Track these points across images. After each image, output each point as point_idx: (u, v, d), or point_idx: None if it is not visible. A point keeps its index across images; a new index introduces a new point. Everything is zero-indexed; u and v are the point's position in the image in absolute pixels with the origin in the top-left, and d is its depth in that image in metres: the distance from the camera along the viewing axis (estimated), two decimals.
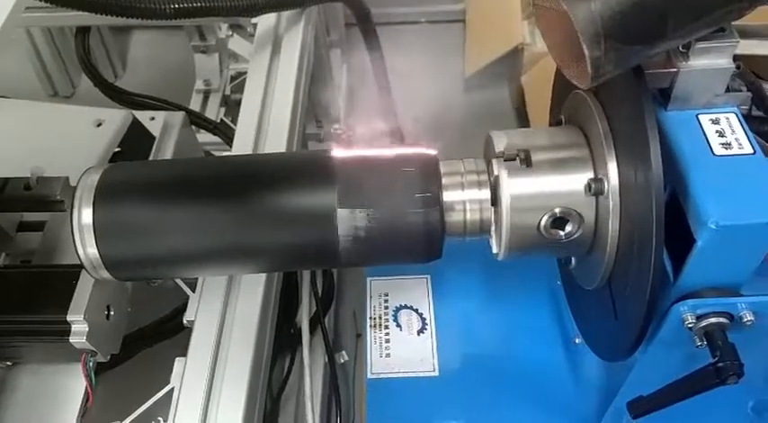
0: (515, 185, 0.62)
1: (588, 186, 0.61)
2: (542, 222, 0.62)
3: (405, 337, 0.90)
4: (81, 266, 0.71)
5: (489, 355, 0.89)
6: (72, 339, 0.71)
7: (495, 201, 0.63)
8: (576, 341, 0.88)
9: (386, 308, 0.93)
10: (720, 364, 0.58)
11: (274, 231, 0.61)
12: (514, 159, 0.62)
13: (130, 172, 0.66)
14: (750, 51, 0.64)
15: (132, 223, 0.62)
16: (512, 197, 0.61)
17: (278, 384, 1.24)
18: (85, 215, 0.60)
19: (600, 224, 0.62)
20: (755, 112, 0.76)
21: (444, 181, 0.62)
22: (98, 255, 0.61)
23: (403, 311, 0.92)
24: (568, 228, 0.63)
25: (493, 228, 0.64)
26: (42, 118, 1.04)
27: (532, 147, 0.63)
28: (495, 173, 0.62)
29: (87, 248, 0.61)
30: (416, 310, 0.92)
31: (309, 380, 1.02)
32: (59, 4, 0.83)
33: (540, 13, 0.56)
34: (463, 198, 0.62)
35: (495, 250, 0.65)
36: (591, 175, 0.62)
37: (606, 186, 0.60)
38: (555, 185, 0.62)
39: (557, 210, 0.62)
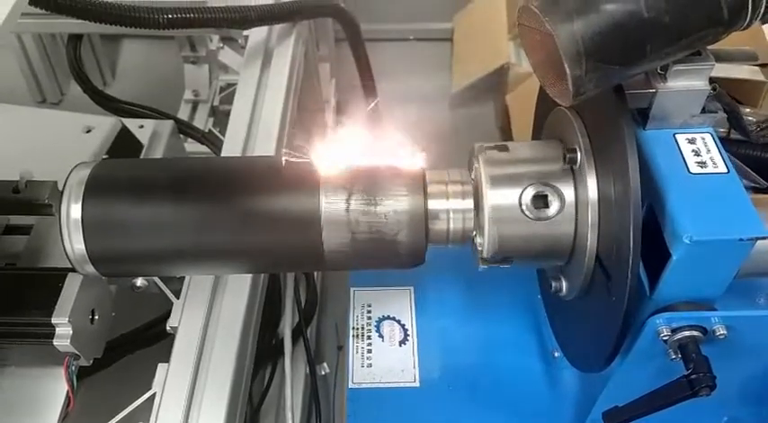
0: (492, 164, 0.64)
1: (563, 156, 0.63)
2: (523, 199, 0.63)
3: (387, 348, 0.91)
4: (67, 270, 0.72)
5: (470, 368, 0.90)
6: (56, 342, 0.71)
7: (477, 190, 0.64)
8: (555, 354, 0.89)
9: (369, 318, 0.93)
10: (693, 376, 0.59)
11: (261, 234, 0.62)
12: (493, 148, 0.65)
13: (121, 169, 0.67)
14: (725, 74, 0.67)
15: (121, 220, 0.62)
16: (491, 177, 0.64)
17: (258, 395, 1.23)
18: (74, 210, 0.61)
19: (578, 237, 0.64)
20: (734, 135, 0.78)
21: (429, 190, 0.63)
22: (85, 250, 0.61)
23: (385, 322, 0.93)
24: (552, 204, 0.64)
25: (476, 232, 0.65)
26: (32, 123, 1.05)
27: (516, 158, 0.65)
28: (476, 164, 0.64)
29: (74, 243, 0.61)
30: (399, 322, 0.93)
31: (290, 391, 1.02)
32: (55, 12, 0.84)
33: (525, 32, 0.58)
34: (447, 207, 0.64)
35: (479, 248, 0.66)
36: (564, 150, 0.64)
37: (580, 156, 0.62)
38: (530, 159, 0.66)
39: (535, 184, 0.64)
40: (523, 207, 0.63)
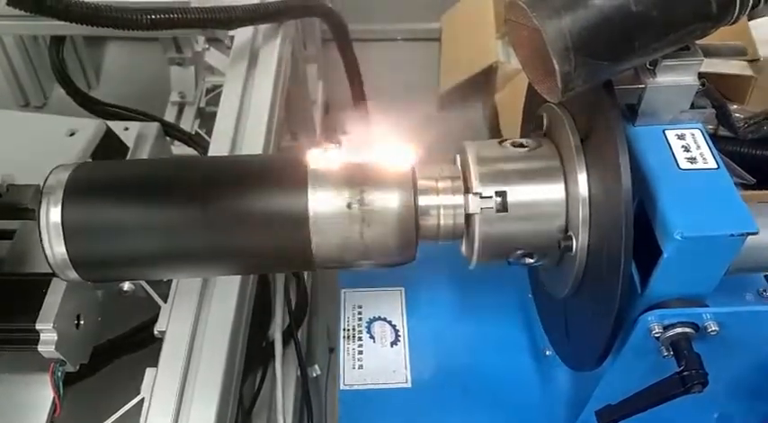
0: (489, 231, 0.63)
1: (558, 244, 0.63)
2: (512, 256, 0.65)
3: (378, 349, 0.90)
4: (51, 275, 0.70)
5: (461, 368, 0.89)
6: (40, 348, 0.70)
7: (468, 224, 0.64)
8: (547, 353, 0.89)
9: (359, 319, 0.93)
10: (686, 373, 0.59)
11: (247, 234, 0.61)
12: (490, 197, 0.63)
13: (102, 170, 0.65)
14: (715, 70, 0.66)
15: (103, 223, 0.60)
16: (485, 235, 0.63)
17: (249, 398, 1.23)
18: (54, 214, 0.59)
19: (570, 234, 0.63)
20: (720, 132, 0.79)
21: (419, 185, 0.62)
22: (66, 254, 0.59)
23: (376, 323, 0.93)
24: (534, 258, 0.65)
25: (465, 238, 0.65)
26: (14, 126, 1.03)
27: (506, 176, 0.64)
28: (471, 210, 0.63)
29: (55, 248, 0.59)
30: (390, 322, 0.93)
31: (281, 393, 1.01)
32: (36, 13, 0.82)
33: (513, 28, 0.58)
34: (438, 203, 0.63)
35: (465, 255, 0.66)
36: (563, 227, 0.63)
37: (575, 245, 0.62)
38: (527, 233, 0.64)
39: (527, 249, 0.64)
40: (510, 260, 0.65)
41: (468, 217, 0.63)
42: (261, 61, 1.11)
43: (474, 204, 0.63)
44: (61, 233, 0.59)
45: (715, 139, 0.65)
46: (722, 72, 0.72)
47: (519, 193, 0.63)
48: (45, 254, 0.60)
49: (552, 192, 0.63)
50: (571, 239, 0.62)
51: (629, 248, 0.56)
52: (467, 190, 0.63)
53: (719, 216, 0.58)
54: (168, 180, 0.63)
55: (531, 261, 0.65)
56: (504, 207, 0.62)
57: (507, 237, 0.64)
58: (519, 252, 0.64)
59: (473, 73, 1.89)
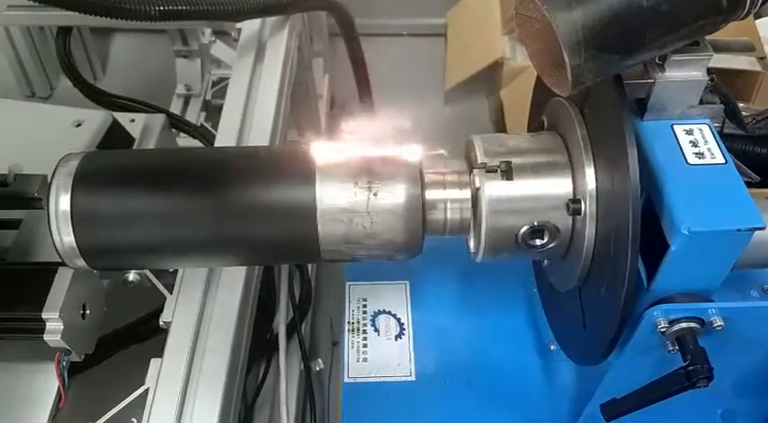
0: (495, 201, 0.63)
1: (567, 206, 0.63)
2: (520, 233, 0.63)
3: (382, 342, 0.90)
4: (57, 264, 0.71)
5: (466, 361, 0.89)
6: (46, 337, 0.70)
7: (475, 208, 0.64)
8: (552, 347, 0.89)
9: (364, 313, 0.93)
10: (691, 368, 0.59)
11: (254, 224, 0.61)
12: (495, 171, 0.63)
13: (111, 159, 0.65)
14: (724, 65, 0.66)
15: (111, 211, 0.60)
16: (492, 212, 0.63)
17: (252, 391, 1.23)
18: (63, 202, 0.59)
19: (577, 228, 0.63)
20: (727, 130, 0.78)
21: (426, 179, 0.62)
22: (74, 243, 0.60)
23: (381, 316, 0.93)
24: (545, 239, 0.64)
25: (472, 230, 0.65)
26: (21, 117, 1.04)
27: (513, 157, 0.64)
28: (477, 184, 0.63)
29: (64, 236, 0.59)
30: (395, 316, 0.93)
31: (285, 386, 1.02)
32: (44, 3, 0.82)
33: (523, 21, 0.58)
34: (444, 197, 0.63)
35: (472, 250, 0.66)
36: (570, 193, 0.63)
37: (584, 207, 0.62)
38: (534, 203, 0.63)
39: (535, 222, 0.63)
40: (519, 239, 0.63)
41: (475, 204, 0.63)
42: (267, 54, 1.11)
43: (479, 177, 0.62)
44: (70, 221, 0.59)
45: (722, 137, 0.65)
46: (731, 67, 0.71)
47: (523, 166, 0.63)
48: (53, 241, 0.60)
49: (559, 184, 0.63)
50: (580, 202, 0.61)
51: (635, 243, 0.56)
52: (472, 170, 0.63)
53: (727, 211, 0.58)
54: (177, 169, 0.63)
55: (543, 241, 0.64)
56: (509, 175, 0.62)
57: (514, 212, 0.63)
58: (526, 229, 0.63)
59: (478, 69, 1.89)
